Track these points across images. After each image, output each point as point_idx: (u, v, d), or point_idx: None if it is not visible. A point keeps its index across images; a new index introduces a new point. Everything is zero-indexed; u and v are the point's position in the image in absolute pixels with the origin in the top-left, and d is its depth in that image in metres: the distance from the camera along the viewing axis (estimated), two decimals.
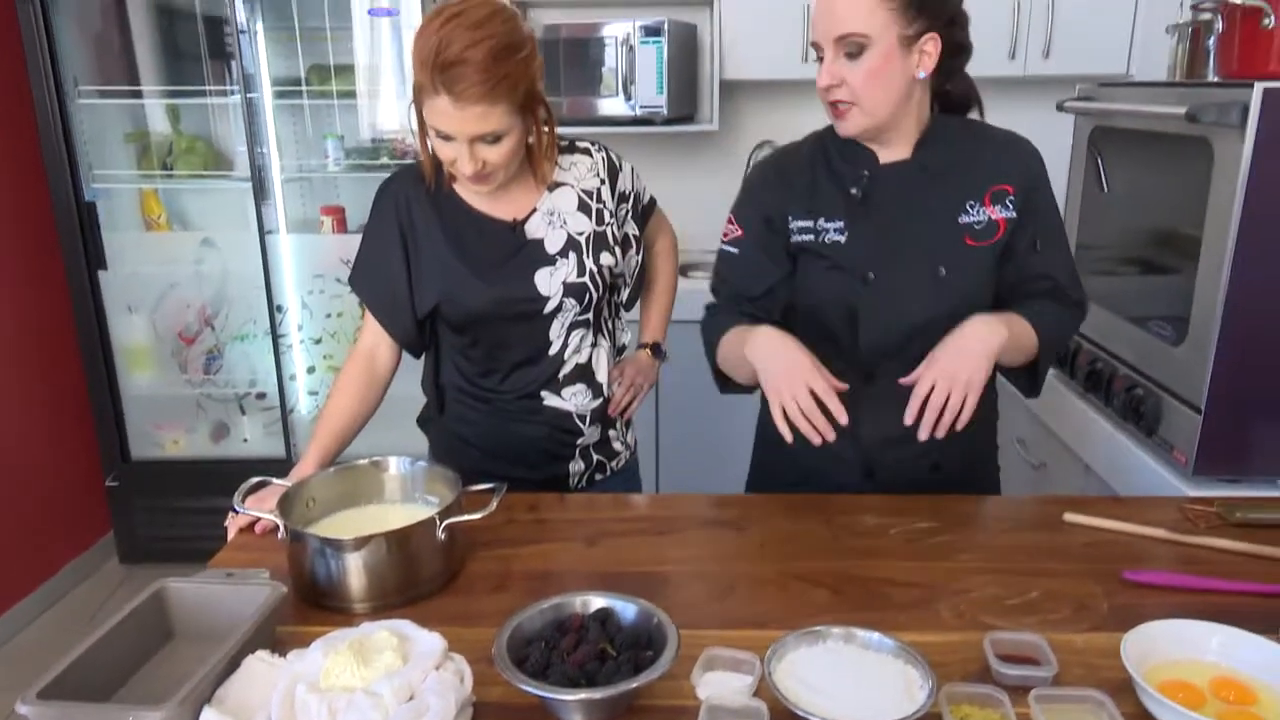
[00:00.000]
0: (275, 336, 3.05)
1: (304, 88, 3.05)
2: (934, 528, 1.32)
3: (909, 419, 1.21)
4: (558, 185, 1.49)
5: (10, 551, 2.82)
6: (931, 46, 1.26)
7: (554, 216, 1.47)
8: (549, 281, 1.45)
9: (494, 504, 1.19)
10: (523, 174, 1.46)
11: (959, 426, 1.20)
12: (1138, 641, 0.95)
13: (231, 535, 1.32)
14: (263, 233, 2.96)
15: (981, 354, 1.21)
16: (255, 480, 1.27)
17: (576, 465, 1.57)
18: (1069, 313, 1.41)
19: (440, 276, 1.44)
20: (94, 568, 3.18)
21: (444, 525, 1.15)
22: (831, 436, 1.20)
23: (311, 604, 1.14)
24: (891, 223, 1.34)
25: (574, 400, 1.52)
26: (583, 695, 0.88)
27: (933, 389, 1.20)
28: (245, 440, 3.26)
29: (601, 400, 1.55)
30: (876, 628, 0.99)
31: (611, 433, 1.61)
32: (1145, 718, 0.91)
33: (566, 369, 1.51)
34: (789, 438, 1.21)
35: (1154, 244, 1.85)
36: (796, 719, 0.88)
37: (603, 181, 1.52)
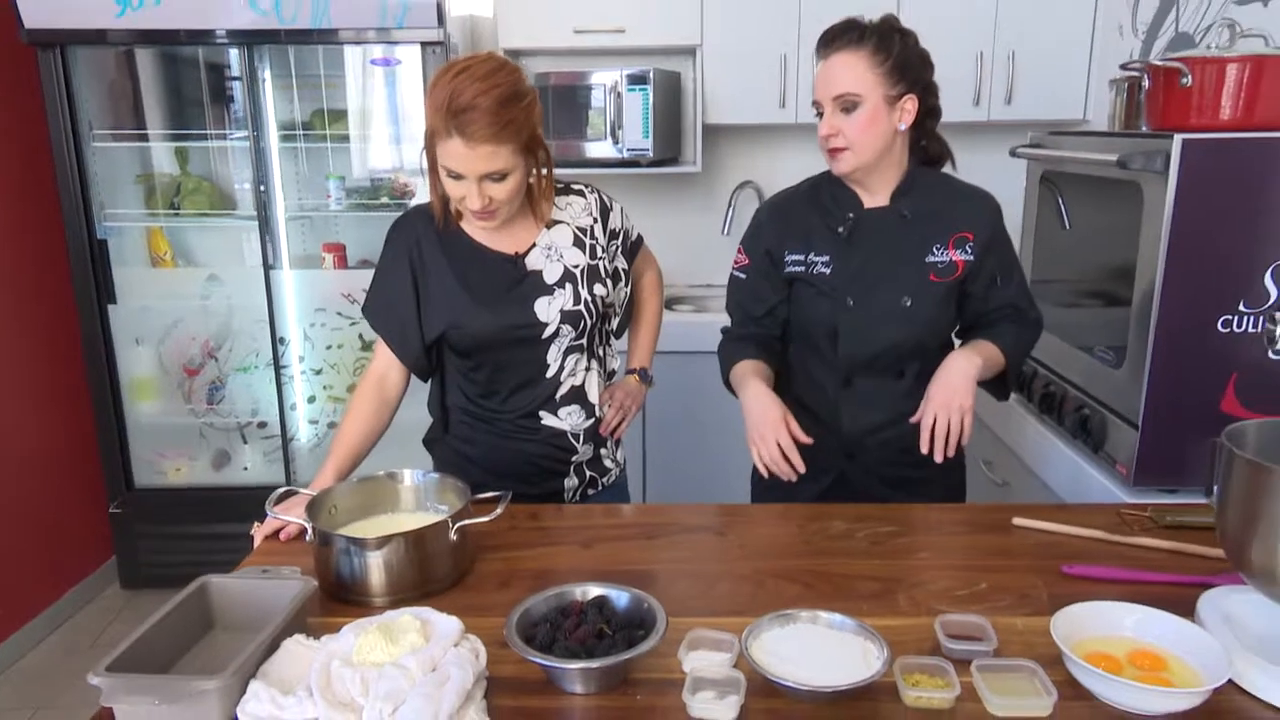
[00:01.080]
0: (277, 367, 3.18)
1: (303, 131, 3.21)
2: (896, 531, 1.46)
3: (924, 448, 1.48)
4: (555, 223, 1.64)
5: (15, 576, 2.91)
6: (910, 105, 1.55)
7: (551, 250, 1.62)
8: (547, 309, 1.59)
9: (500, 508, 1.33)
10: (523, 212, 1.61)
11: (964, 442, 1.50)
12: (1065, 620, 1.09)
13: (258, 542, 1.45)
14: (267, 268, 3.10)
15: (965, 382, 1.51)
16: (282, 489, 1.40)
17: (571, 481, 1.71)
18: (1028, 330, 1.70)
19: (448, 306, 1.58)
20: (96, 593, 3.27)
21: (456, 527, 1.28)
22: (793, 478, 1.49)
23: (337, 599, 1.26)
24: (869, 259, 1.61)
25: (569, 420, 1.66)
26: (582, 665, 1.01)
27: (935, 420, 1.47)
28: (246, 468, 3.37)
29: (594, 420, 1.69)
30: (840, 613, 1.13)
31: (603, 451, 1.75)
32: (1073, 683, 1.05)
33: (562, 390, 1.65)
34: (766, 474, 1.51)
35: (1099, 278, 2.01)
36: (770, 685, 1.02)
37: (595, 220, 1.67)
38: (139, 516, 3.25)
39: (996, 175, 2.58)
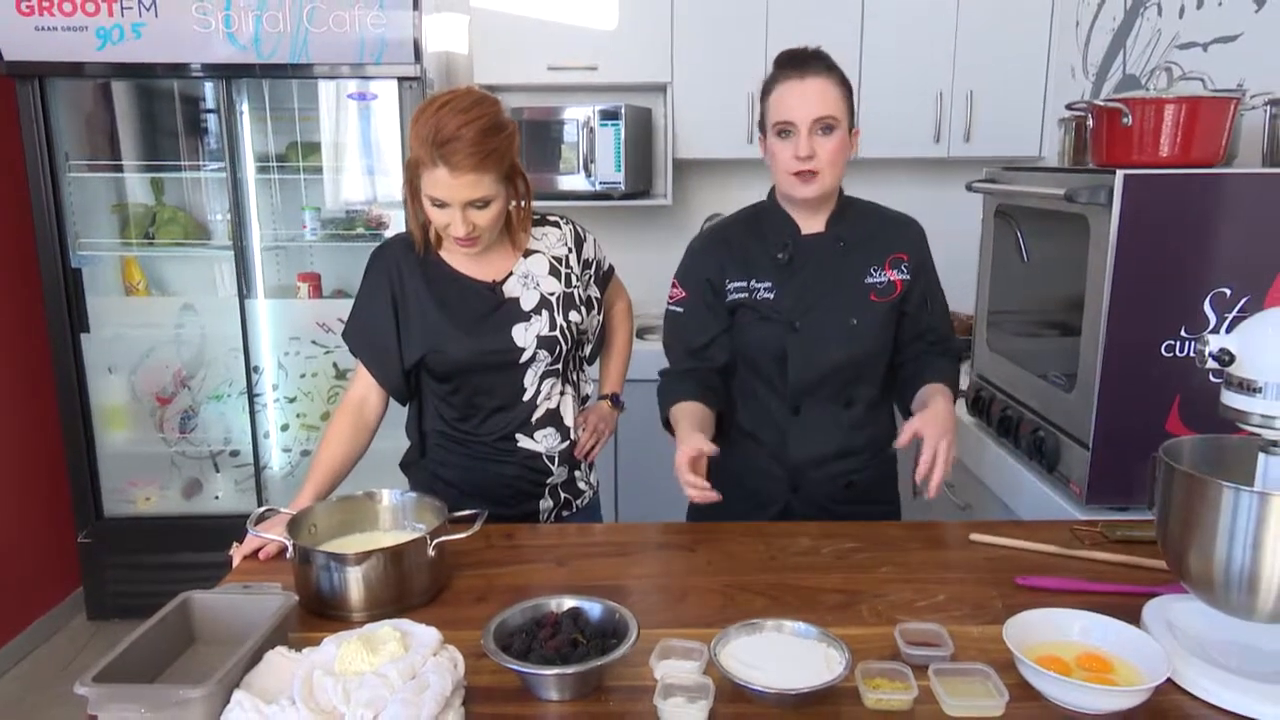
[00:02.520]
0: (251, 396, 3.20)
1: (277, 163, 3.26)
2: (859, 547, 1.52)
3: (919, 478, 1.48)
4: (531, 252, 1.70)
5: None
6: (855, 138, 1.63)
7: (528, 279, 1.68)
8: (524, 335, 1.65)
9: (478, 525, 1.37)
10: (501, 241, 1.66)
11: (947, 475, 1.50)
12: (1017, 627, 1.15)
13: (237, 561, 1.47)
14: (242, 298, 3.12)
15: (952, 420, 1.56)
16: (263, 509, 1.43)
17: (546, 503, 1.75)
18: (955, 364, 1.76)
19: (427, 331, 1.63)
20: (62, 623, 3.23)
21: (434, 544, 1.32)
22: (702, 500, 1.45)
23: (317, 614, 1.29)
24: (812, 282, 1.64)
25: (544, 442, 1.70)
26: (558, 671, 1.05)
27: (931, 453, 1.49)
28: (217, 497, 3.36)
29: (569, 443, 1.74)
30: (805, 623, 1.18)
31: (577, 473, 1.79)
32: (1024, 685, 1.10)
33: (538, 413, 1.69)
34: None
35: (1052, 308, 2.10)
36: (738, 690, 1.06)
37: (570, 250, 1.74)
38: (108, 546, 3.24)
39: (956, 210, 2.70)
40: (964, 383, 1.87)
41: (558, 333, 1.67)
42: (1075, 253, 1.82)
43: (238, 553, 1.47)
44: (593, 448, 1.81)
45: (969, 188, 2.25)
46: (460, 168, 1.46)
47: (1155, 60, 2.57)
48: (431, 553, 1.32)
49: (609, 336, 1.95)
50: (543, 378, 1.69)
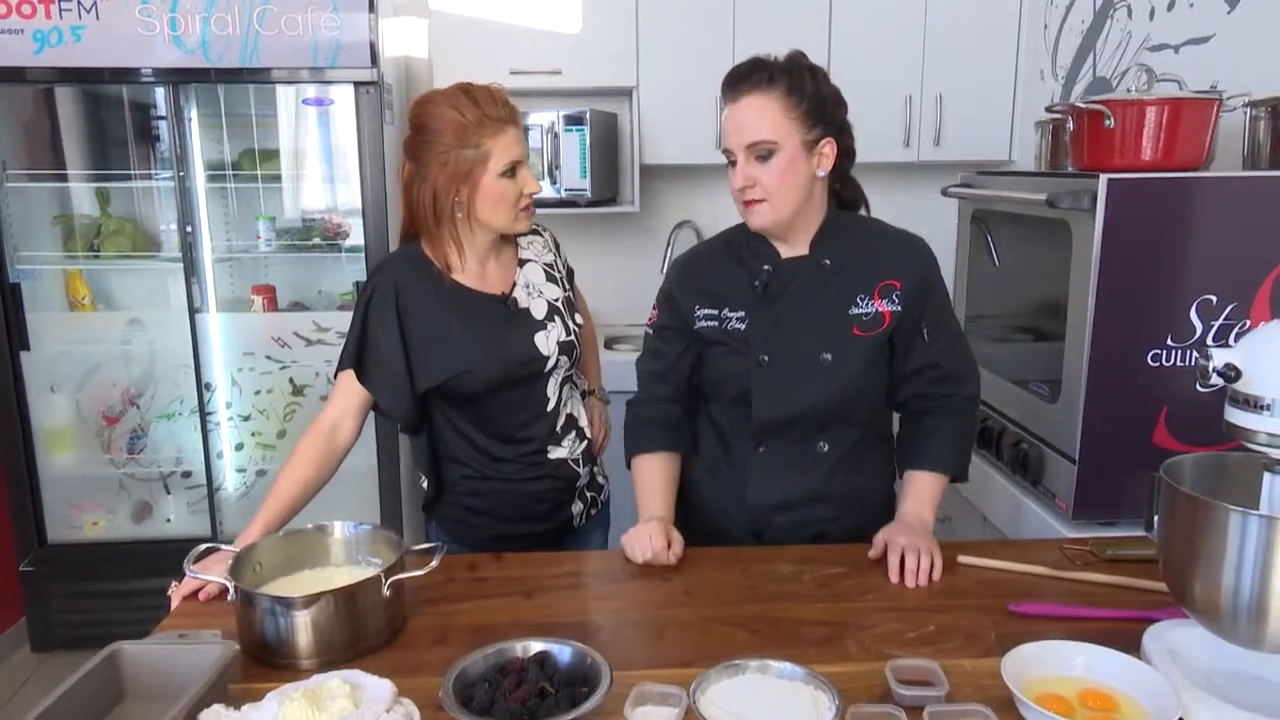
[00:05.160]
0: (203, 414, 3.06)
1: (232, 171, 3.13)
2: (842, 573, 1.44)
3: (894, 578, 1.40)
4: (525, 261, 1.68)
5: None
6: (829, 149, 1.44)
7: (531, 288, 1.66)
8: (546, 343, 1.63)
9: (436, 560, 1.27)
10: (504, 250, 1.65)
11: (936, 577, 1.40)
12: (1015, 661, 1.08)
13: (176, 603, 1.36)
14: (192, 312, 2.99)
15: (925, 531, 1.48)
16: (204, 547, 1.32)
17: (576, 506, 1.73)
18: (959, 418, 1.56)
19: (450, 353, 1.57)
20: (4, 656, 3.07)
21: (389, 583, 1.22)
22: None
23: (261, 663, 1.19)
24: (787, 312, 1.49)
25: (569, 447, 1.69)
26: None
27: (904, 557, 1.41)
28: (169, 520, 3.22)
29: (586, 442, 1.73)
30: (790, 661, 1.10)
31: (595, 469, 1.79)
32: None
33: (561, 421, 1.67)
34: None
35: (1031, 313, 2.05)
36: None
37: (555, 255, 1.74)
38: (52, 574, 3.08)
39: (928, 215, 2.65)
40: None
41: (572, 337, 1.68)
42: (1055, 259, 1.77)
43: (176, 593, 1.36)
44: (602, 442, 1.84)
45: (944, 193, 2.19)
46: (516, 120, 1.53)
47: (1126, 62, 2.54)
48: (386, 592, 1.22)
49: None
50: (563, 384, 1.67)
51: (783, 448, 1.52)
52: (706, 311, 1.54)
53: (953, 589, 1.40)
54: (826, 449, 1.52)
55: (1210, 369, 1.05)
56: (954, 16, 3.09)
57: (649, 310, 1.64)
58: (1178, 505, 1.09)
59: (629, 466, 1.62)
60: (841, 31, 3.07)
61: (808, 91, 1.40)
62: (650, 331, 1.63)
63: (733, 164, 1.44)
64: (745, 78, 1.41)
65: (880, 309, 1.48)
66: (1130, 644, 1.15)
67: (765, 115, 1.38)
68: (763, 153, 1.40)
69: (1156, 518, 1.14)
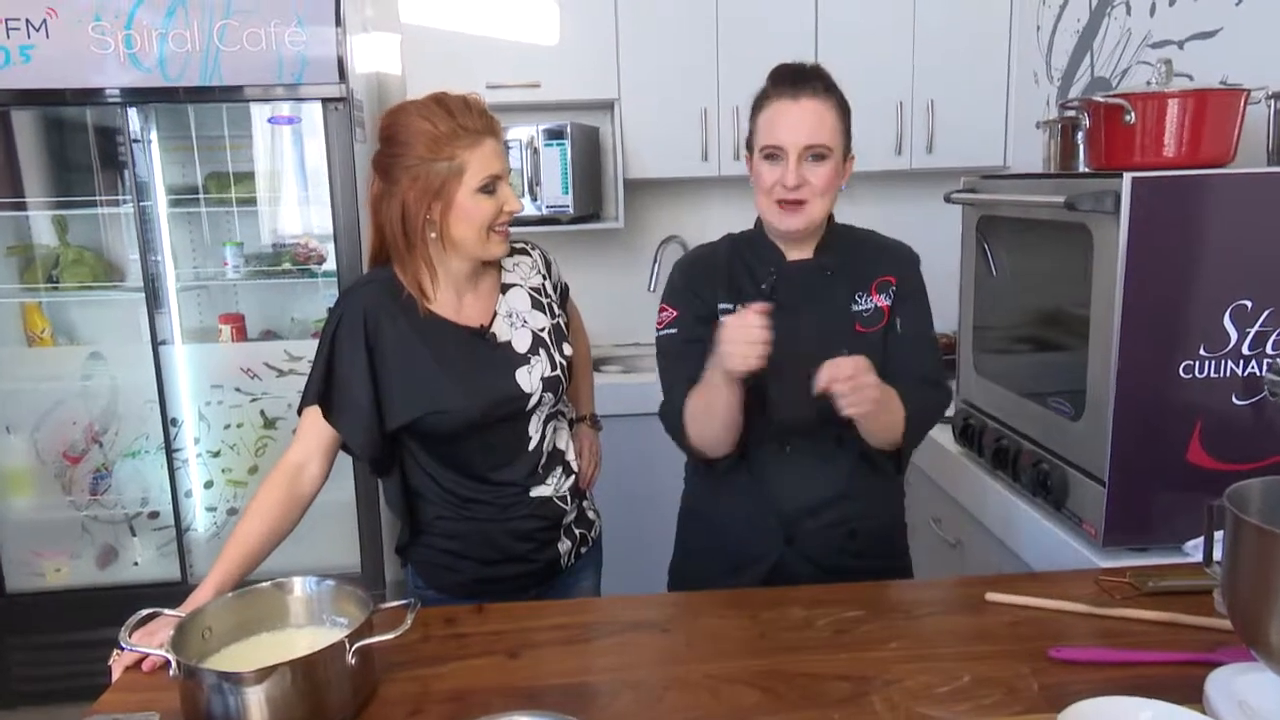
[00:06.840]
0: (170, 451, 2.90)
1: (201, 195, 2.99)
2: (860, 616, 1.30)
3: (820, 384, 1.27)
4: (509, 286, 1.54)
5: None
6: (850, 164, 1.48)
7: (514, 318, 1.52)
8: (529, 379, 1.49)
9: (408, 622, 1.13)
10: (485, 277, 1.52)
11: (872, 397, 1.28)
12: None
13: (117, 675, 1.21)
14: (156, 344, 2.84)
15: (867, 368, 1.30)
16: (145, 612, 1.17)
17: (564, 545, 1.58)
18: (931, 394, 1.50)
19: (422, 390, 1.43)
20: None
21: (354, 649, 1.08)
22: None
23: None
24: (796, 313, 1.44)
25: (554, 484, 1.55)
26: None
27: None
28: (136, 564, 3.05)
29: (573, 477, 1.59)
30: None
31: (584, 504, 1.65)
32: None
33: (544, 458, 1.53)
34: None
35: (1045, 323, 1.93)
36: None
37: (544, 277, 1.60)
38: (12, 625, 2.91)
39: (922, 223, 2.54)
40: (950, 409, 1.67)
41: (559, 371, 1.52)
42: (1070, 265, 1.65)
43: (117, 664, 1.21)
44: (592, 474, 1.70)
45: (948, 199, 2.08)
46: (495, 132, 1.42)
47: (1126, 61, 2.44)
48: (352, 660, 1.07)
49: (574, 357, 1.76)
50: (546, 420, 1.53)
51: (809, 445, 1.49)
52: (726, 305, 1.48)
53: (984, 632, 1.26)
54: (848, 445, 1.48)
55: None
56: (943, 21, 3.00)
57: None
58: (1244, 538, 0.96)
59: (682, 439, 1.48)
60: (829, 37, 2.97)
61: (847, 107, 1.45)
62: (670, 331, 1.51)
63: (770, 159, 1.42)
64: (808, 79, 1.41)
65: (879, 304, 1.50)
66: (1190, 692, 1.03)
67: (826, 120, 1.40)
68: (819, 154, 1.40)
69: (1218, 549, 1.01)
